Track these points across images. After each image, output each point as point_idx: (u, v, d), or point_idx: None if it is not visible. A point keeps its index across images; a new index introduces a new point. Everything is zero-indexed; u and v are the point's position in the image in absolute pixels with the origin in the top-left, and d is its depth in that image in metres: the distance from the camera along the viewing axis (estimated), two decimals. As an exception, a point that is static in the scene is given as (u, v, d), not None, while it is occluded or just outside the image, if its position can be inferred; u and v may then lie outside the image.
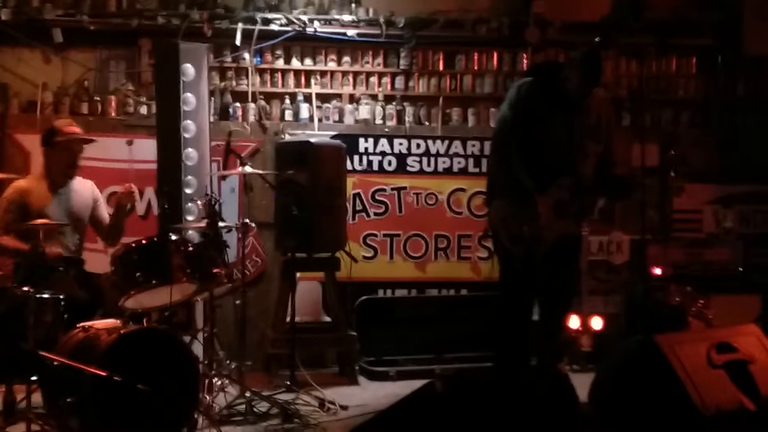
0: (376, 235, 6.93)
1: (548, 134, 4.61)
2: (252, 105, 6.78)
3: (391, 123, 7.00)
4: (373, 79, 7.05)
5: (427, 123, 7.09)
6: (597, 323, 6.61)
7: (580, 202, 4.67)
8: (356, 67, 7.01)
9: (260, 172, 5.80)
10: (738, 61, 7.39)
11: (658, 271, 6.72)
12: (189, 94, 5.98)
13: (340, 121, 6.95)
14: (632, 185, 5.14)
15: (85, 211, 5.37)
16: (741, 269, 7.00)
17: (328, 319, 6.49)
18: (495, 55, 7.19)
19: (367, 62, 7.02)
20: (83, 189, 5.38)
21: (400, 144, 6.98)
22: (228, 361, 5.58)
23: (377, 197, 6.95)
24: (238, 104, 6.78)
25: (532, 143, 4.55)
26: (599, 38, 6.84)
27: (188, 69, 5.98)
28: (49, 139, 5.24)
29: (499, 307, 4.75)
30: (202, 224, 5.13)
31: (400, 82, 7.07)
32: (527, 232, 4.38)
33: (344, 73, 7.00)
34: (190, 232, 5.39)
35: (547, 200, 4.49)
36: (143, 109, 6.62)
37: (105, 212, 5.52)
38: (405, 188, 6.98)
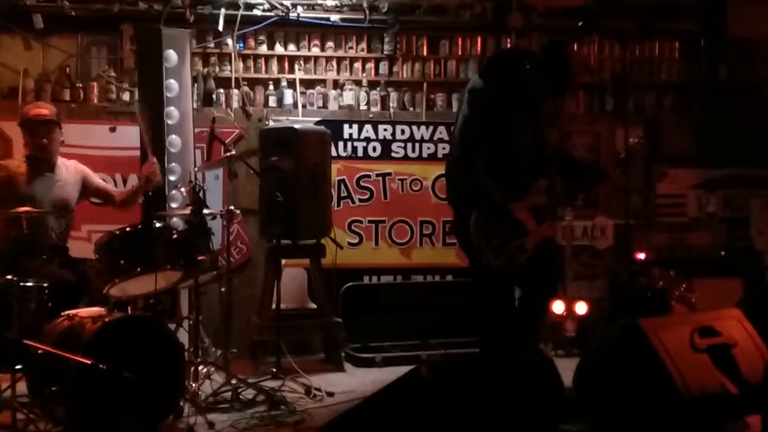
0: (361, 222, 6.93)
1: (516, 140, 4.37)
2: (235, 91, 6.75)
3: (376, 109, 6.99)
4: (357, 65, 7.03)
5: (411, 108, 7.08)
6: (581, 308, 6.64)
7: (556, 203, 4.59)
8: (340, 53, 6.99)
9: (244, 155, 5.78)
10: (721, 44, 7.42)
11: (641, 255, 6.76)
12: (172, 81, 5.95)
13: (324, 107, 6.93)
14: (600, 175, 5.08)
15: (73, 194, 5.33)
16: (723, 253, 7.05)
17: (313, 305, 6.49)
18: (479, 40, 7.19)
19: (351, 47, 7.01)
20: (68, 172, 5.35)
21: (385, 130, 6.97)
22: (213, 349, 5.58)
23: (362, 183, 6.94)
24: (221, 90, 6.74)
25: (500, 152, 4.30)
26: (581, 23, 6.86)
27: (171, 55, 5.94)
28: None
29: (479, 295, 4.72)
30: (187, 211, 5.10)
31: (384, 67, 7.06)
32: (510, 246, 4.29)
33: (328, 59, 6.97)
34: (175, 219, 5.37)
35: (525, 207, 4.38)
36: (126, 96, 6.58)
37: (98, 180, 5.52)
38: (390, 174, 6.98)
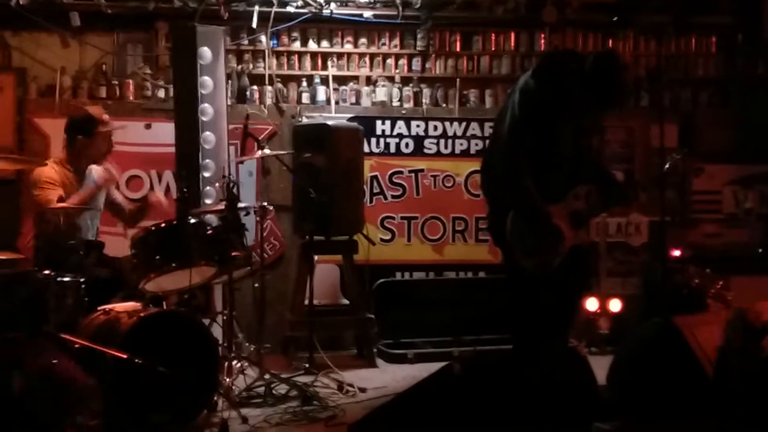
0: (393, 218, 6.93)
1: (560, 145, 4.26)
2: (269, 88, 6.78)
3: (408, 105, 6.98)
4: (390, 61, 7.02)
5: (444, 105, 7.07)
6: (615, 305, 6.59)
7: (593, 210, 4.52)
8: (373, 49, 6.99)
9: (278, 153, 5.81)
10: (758, 39, 7.31)
11: (676, 252, 6.69)
12: (206, 78, 5.98)
13: (357, 103, 6.94)
14: (632, 194, 4.99)
15: (101, 196, 5.39)
16: (760, 250, 6.95)
17: (346, 301, 6.51)
18: (512, 35, 7.15)
19: (384, 44, 7.00)
20: (97, 174, 5.39)
21: (417, 126, 6.97)
22: (247, 344, 5.62)
23: (394, 180, 6.94)
24: (255, 87, 6.78)
25: (544, 156, 4.18)
26: (617, 17, 6.79)
27: (205, 52, 5.97)
28: (88, 128, 5.20)
29: (511, 292, 4.67)
30: (221, 207, 5.15)
31: (416, 63, 7.05)
32: (544, 249, 4.24)
33: (361, 55, 6.98)
34: (209, 215, 5.41)
35: (562, 212, 4.33)
36: (161, 93, 6.64)
37: (118, 194, 5.56)
38: (422, 170, 6.97)
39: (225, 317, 5.23)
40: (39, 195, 5.03)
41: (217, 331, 5.19)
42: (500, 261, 4.51)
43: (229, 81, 6.53)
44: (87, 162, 5.24)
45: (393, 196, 6.93)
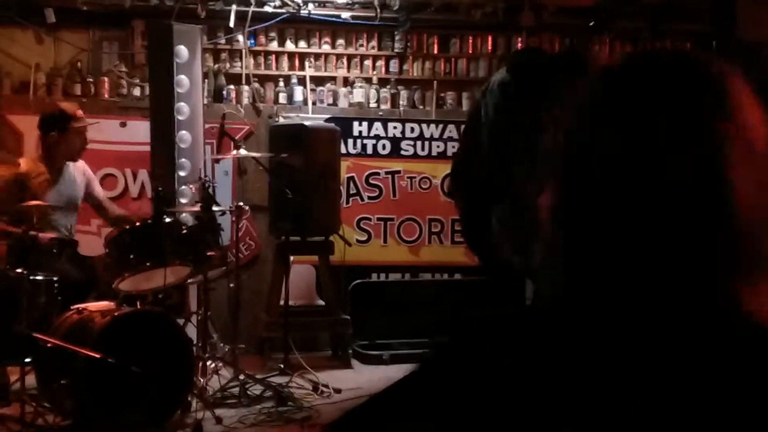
0: (369, 219, 6.93)
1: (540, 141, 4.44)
2: (246, 87, 6.76)
3: (386, 106, 6.99)
4: (368, 62, 7.03)
5: (421, 107, 7.08)
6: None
7: None
8: (350, 50, 6.99)
9: (254, 154, 5.79)
10: (732, 46, 7.39)
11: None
12: (182, 76, 5.95)
13: (334, 104, 6.93)
14: None
15: (80, 193, 5.35)
16: None
17: (321, 302, 6.50)
18: (490, 39, 7.19)
19: (362, 45, 7.01)
20: (76, 171, 5.37)
21: (395, 128, 6.97)
22: (222, 344, 5.60)
23: (371, 181, 6.94)
24: (231, 86, 6.75)
25: (531, 149, 4.34)
26: (593, 22, 6.84)
27: (182, 50, 5.95)
28: (61, 123, 5.17)
29: (491, 292, 4.68)
30: (196, 207, 5.12)
31: (394, 65, 7.06)
32: (533, 244, 4.27)
33: (338, 56, 6.98)
34: (184, 214, 5.38)
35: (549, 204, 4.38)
36: (137, 91, 6.59)
37: (100, 189, 5.53)
38: (399, 172, 6.98)
39: (200, 317, 5.20)
40: None
41: (191, 331, 5.17)
42: (478, 263, 4.53)
43: (206, 80, 6.50)
44: (62, 159, 5.20)
45: (369, 198, 6.93)
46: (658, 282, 0.86)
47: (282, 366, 5.43)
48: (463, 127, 5.32)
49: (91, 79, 6.56)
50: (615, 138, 0.89)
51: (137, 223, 4.75)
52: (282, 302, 5.72)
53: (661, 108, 0.88)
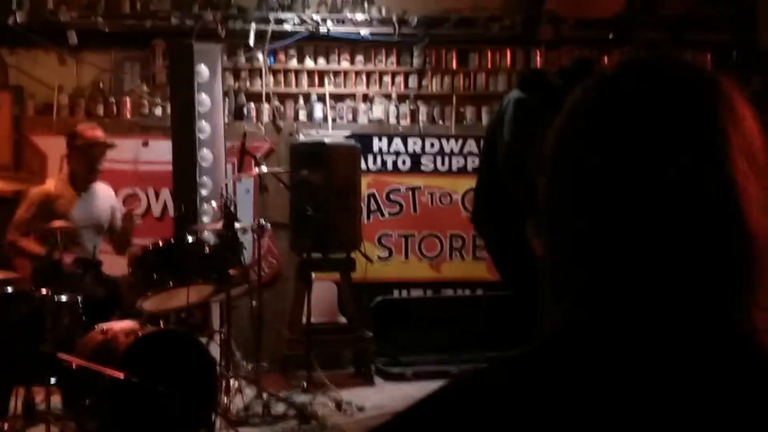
0: (390, 235, 6.93)
1: None
2: (266, 105, 6.79)
3: (405, 122, 6.99)
4: (387, 79, 7.04)
5: (441, 122, 7.08)
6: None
7: None
8: (369, 67, 7.01)
9: (276, 169, 5.81)
10: (753, 56, 7.35)
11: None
12: (203, 95, 5.99)
13: (354, 120, 6.95)
14: None
15: (105, 216, 5.39)
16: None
17: (343, 319, 6.49)
18: (508, 52, 7.17)
19: (381, 61, 7.02)
20: (105, 194, 5.42)
21: (414, 143, 6.97)
22: (244, 363, 5.60)
23: (392, 197, 6.94)
24: (252, 105, 6.79)
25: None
26: (613, 35, 6.82)
27: (202, 70, 5.98)
28: (71, 143, 5.28)
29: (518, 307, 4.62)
30: (218, 225, 5.14)
31: (413, 81, 7.06)
32: None
33: (357, 73, 6.99)
34: (206, 233, 5.40)
35: None
36: (158, 111, 6.65)
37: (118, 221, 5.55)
38: (419, 188, 6.97)
39: (222, 336, 5.21)
40: (16, 212, 5.08)
41: (214, 350, 5.17)
42: (498, 278, 4.50)
43: (226, 98, 6.54)
44: (82, 178, 5.24)
45: (390, 213, 6.93)
46: (669, 302, 0.81)
47: (305, 384, 5.42)
48: (482, 146, 5.15)
49: (113, 100, 6.62)
50: (612, 142, 0.84)
51: (160, 243, 4.77)
52: (304, 320, 5.72)
53: (666, 110, 0.84)
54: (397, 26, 6.88)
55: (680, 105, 0.84)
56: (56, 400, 4.34)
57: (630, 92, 0.86)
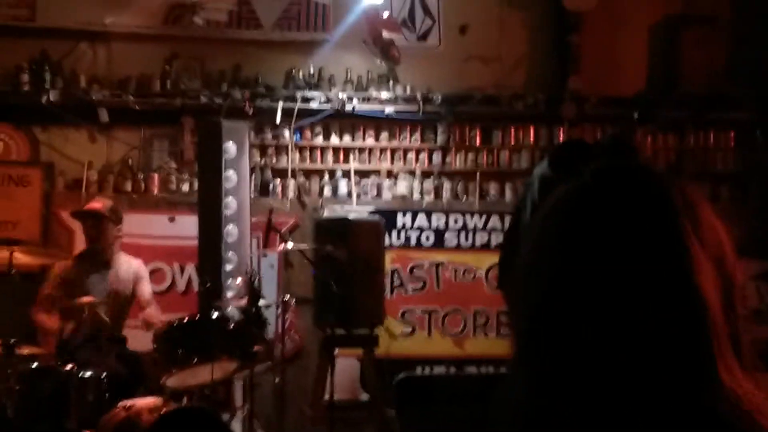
0: (414, 311, 6.91)
1: None
2: (291, 181, 6.87)
3: (429, 198, 7.04)
4: (411, 155, 7.11)
5: (464, 198, 7.12)
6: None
7: None
8: (394, 143, 7.09)
9: (301, 246, 5.84)
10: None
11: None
12: (231, 171, 6.06)
13: (378, 196, 7.00)
14: None
15: (125, 290, 5.42)
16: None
17: (366, 396, 6.43)
18: (531, 130, 7.23)
19: (405, 138, 7.10)
20: (126, 267, 5.46)
21: (438, 219, 7.00)
22: (267, 440, 5.55)
23: (415, 272, 6.95)
24: (278, 181, 6.87)
25: None
26: (638, 114, 6.88)
27: (230, 147, 6.07)
28: (78, 216, 5.47)
29: None
30: (243, 301, 5.15)
31: (437, 157, 7.13)
32: None
33: (382, 149, 7.07)
34: (231, 308, 5.41)
35: None
36: (185, 186, 6.73)
37: (146, 290, 5.56)
38: (443, 263, 6.97)
39: (245, 412, 5.18)
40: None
41: (237, 427, 5.14)
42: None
43: (253, 174, 6.62)
44: (100, 251, 5.30)
45: (414, 289, 6.93)
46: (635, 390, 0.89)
47: (327, 462, 5.35)
48: (508, 219, 5.28)
49: (141, 176, 6.72)
50: (582, 242, 0.94)
51: (185, 318, 4.78)
52: (326, 396, 5.67)
53: (635, 220, 0.94)
54: (421, 104, 6.97)
55: (649, 212, 0.96)
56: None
57: (603, 201, 0.97)
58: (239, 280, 5.61)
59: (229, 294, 5.85)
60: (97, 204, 5.46)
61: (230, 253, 5.99)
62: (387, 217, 6.67)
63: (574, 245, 0.95)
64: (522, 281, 0.99)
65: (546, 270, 0.96)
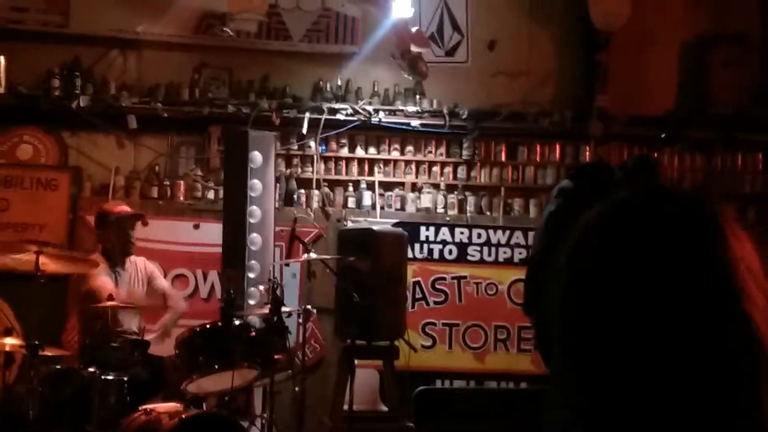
0: (435, 324, 6.90)
1: None
2: (316, 192, 6.89)
3: (453, 212, 7.04)
4: (436, 169, 7.12)
5: (488, 213, 7.11)
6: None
7: None
8: (419, 157, 7.10)
9: (324, 257, 5.86)
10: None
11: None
12: (256, 181, 6.10)
13: (402, 209, 7.01)
14: None
15: (142, 290, 5.46)
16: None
17: (384, 408, 6.42)
18: (557, 147, 7.21)
19: (430, 152, 7.11)
20: (137, 268, 5.49)
21: (461, 233, 6.99)
22: (285, 449, 5.55)
23: (437, 286, 6.94)
24: (302, 191, 6.90)
25: None
26: (665, 134, 6.84)
27: (256, 156, 6.11)
28: (102, 221, 5.41)
29: None
30: (265, 309, 5.17)
31: (462, 171, 7.13)
32: None
33: (407, 162, 7.09)
34: (252, 317, 5.43)
35: None
36: (210, 194, 6.78)
37: (163, 282, 5.63)
38: (465, 277, 6.96)
39: (264, 420, 5.18)
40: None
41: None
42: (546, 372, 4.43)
43: (278, 184, 6.65)
44: (113, 256, 5.33)
45: (435, 302, 6.92)
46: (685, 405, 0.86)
47: (345, 473, 5.35)
48: (532, 235, 5.22)
49: (167, 183, 6.77)
50: (622, 260, 0.91)
51: (207, 325, 4.81)
52: (346, 407, 5.67)
53: (685, 245, 0.92)
54: (447, 118, 6.98)
55: (689, 229, 0.94)
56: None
57: (643, 218, 0.94)
58: (261, 288, 5.63)
59: (251, 302, 5.88)
60: (126, 207, 5.50)
61: (253, 262, 6.03)
62: (410, 230, 6.68)
63: (622, 270, 0.92)
64: (562, 309, 0.95)
65: (590, 296, 0.93)
